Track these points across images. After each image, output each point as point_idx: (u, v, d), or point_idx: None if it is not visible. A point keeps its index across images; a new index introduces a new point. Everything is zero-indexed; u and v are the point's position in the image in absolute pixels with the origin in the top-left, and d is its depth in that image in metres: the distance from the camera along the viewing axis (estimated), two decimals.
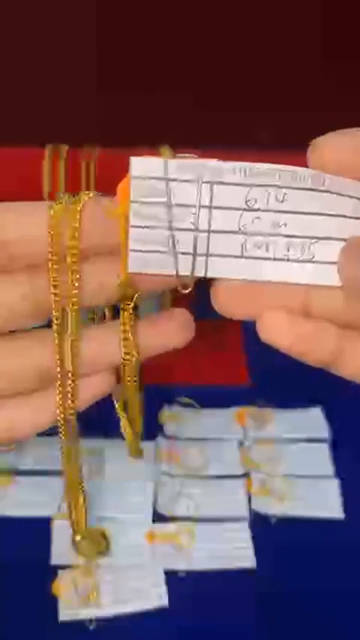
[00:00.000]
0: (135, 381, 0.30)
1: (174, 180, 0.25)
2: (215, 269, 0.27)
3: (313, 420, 0.58)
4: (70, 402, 0.30)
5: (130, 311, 0.28)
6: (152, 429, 0.56)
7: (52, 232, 0.26)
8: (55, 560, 0.47)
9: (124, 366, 0.29)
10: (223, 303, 0.27)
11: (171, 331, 0.29)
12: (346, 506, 0.51)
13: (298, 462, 0.55)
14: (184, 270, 0.26)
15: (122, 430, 0.33)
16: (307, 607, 0.46)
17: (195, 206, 0.26)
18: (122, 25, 0.63)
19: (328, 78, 0.63)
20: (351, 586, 0.47)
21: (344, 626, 0.45)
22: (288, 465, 0.54)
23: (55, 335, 0.28)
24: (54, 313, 0.28)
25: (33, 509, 0.50)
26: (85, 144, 0.54)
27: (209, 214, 0.26)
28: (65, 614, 0.44)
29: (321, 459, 0.55)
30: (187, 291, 0.27)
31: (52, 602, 0.45)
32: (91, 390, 0.30)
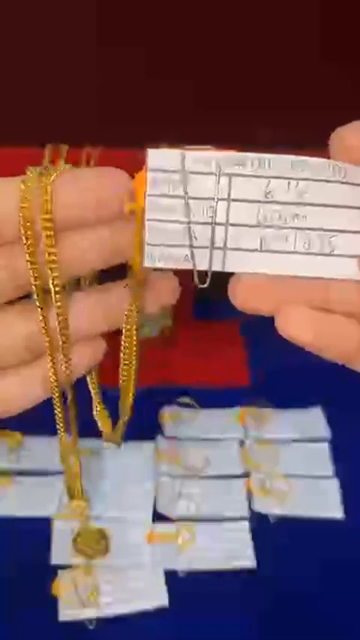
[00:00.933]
0: (134, 350, 0.29)
1: (191, 172, 0.25)
2: (233, 263, 0.26)
3: (313, 420, 0.58)
4: (63, 371, 0.29)
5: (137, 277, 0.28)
6: (152, 430, 0.56)
7: (23, 205, 0.25)
8: (55, 560, 0.47)
9: (126, 330, 0.29)
10: (241, 297, 0.26)
11: (160, 292, 0.29)
12: (346, 506, 0.51)
13: (298, 462, 0.55)
14: (202, 265, 0.26)
15: (95, 413, 0.32)
16: (307, 607, 0.46)
17: (213, 199, 0.25)
18: (122, 28, 0.63)
19: (328, 78, 0.63)
20: (351, 586, 0.47)
21: (344, 625, 0.45)
22: (288, 465, 0.54)
23: (38, 306, 0.28)
24: (33, 284, 0.27)
25: (33, 509, 0.50)
26: (85, 144, 0.54)
27: (227, 207, 0.25)
28: (65, 614, 0.44)
29: (321, 459, 0.55)
30: (204, 286, 0.26)
31: (52, 602, 0.45)
32: (83, 357, 0.29)
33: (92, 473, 0.52)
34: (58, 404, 0.30)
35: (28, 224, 0.26)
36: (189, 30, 0.63)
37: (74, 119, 0.61)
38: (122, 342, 0.29)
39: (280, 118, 0.57)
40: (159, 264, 0.26)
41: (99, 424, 0.32)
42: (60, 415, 0.30)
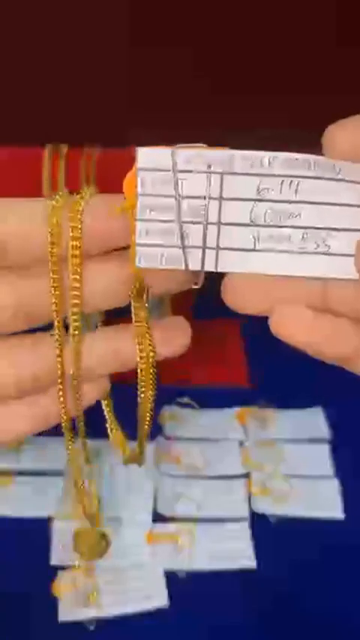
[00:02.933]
0: (151, 386, 0.29)
1: (182, 170, 0.24)
2: (226, 263, 0.25)
3: (314, 420, 0.58)
4: (64, 407, 0.28)
5: (144, 310, 0.27)
6: (152, 430, 0.55)
7: (51, 230, 0.25)
8: (55, 560, 0.47)
9: (141, 370, 0.28)
10: (235, 298, 0.26)
11: (168, 339, 0.28)
12: (346, 506, 0.51)
13: (299, 463, 0.55)
14: (194, 265, 0.25)
15: (113, 440, 0.32)
16: (307, 607, 0.46)
17: (204, 197, 0.24)
18: (123, 27, 0.63)
19: (343, 61, 0.62)
20: (351, 586, 0.47)
21: (344, 626, 0.45)
22: (288, 466, 0.54)
23: (57, 343, 0.27)
24: (56, 319, 0.26)
25: (33, 510, 0.50)
26: (85, 144, 0.54)
27: (219, 206, 0.25)
28: (65, 614, 0.44)
29: (321, 459, 0.55)
30: (197, 286, 0.26)
31: (53, 603, 0.45)
32: (87, 396, 0.29)
33: (92, 473, 0.52)
34: (69, 439, 0.30)
35: (55, 248, 0.25)
36: (188, 24, 0.63)
37: (74, 119, 0.61)
38: (138, 383, 0.29)
39: (295, 101, 0.57)
40: (151, 266, 0.25)
41: (116, 447, 0.32)
42: (71, 448, 0.30)
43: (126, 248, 0.26)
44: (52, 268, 0.25)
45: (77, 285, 0.26)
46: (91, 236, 0.25)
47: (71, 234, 0.25)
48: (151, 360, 0.28)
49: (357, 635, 0.44)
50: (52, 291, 0.26)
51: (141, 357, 0.28)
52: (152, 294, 0.27)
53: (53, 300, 0.26)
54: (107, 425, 0.32)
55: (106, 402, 0.31)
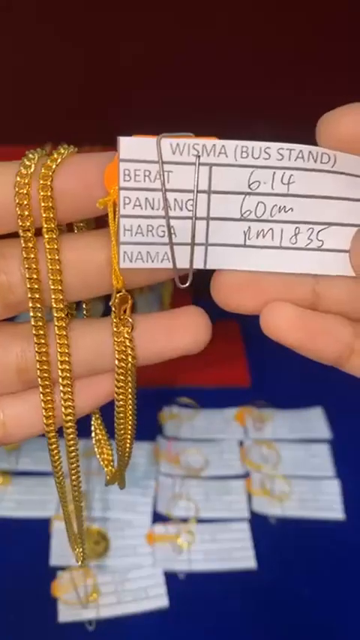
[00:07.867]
0: (130, 392, 0.25)
1: (168, 162, 0.22)
2: (215, 259, 0.24)
3: (313, 421, 0.58)
4: (64, 408, 0.25)
5: (127, 306, 0.24)
6: (152, 430, 0.56)
7: (19, 202, 0.21)
8: (54, 561, 0.47)
9: (118, 374, 0.25)
10: (224, 296, 0.24)
11: (182, 332, 0.25)
12: (346, 506, 0.51)
13: (298, 463, 0.55)
14: (182, 263, 0.23)
15: (98, 456, 0.28)
16: (307, 607, 0.46)
17: (192, 191, 0.22)
18: (121, 26, 0.63)
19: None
20: (351, 586, 0.47)
21: (344, 626, 0.45)
22: (288, 466, 0.54)
23: (34, 331, 0.23)
24: (31, 304, 0.23)
25: (32, 510, 0.50)
26: (85, 144, 0.54)
27: (208, 199, 0.23)
28: (65, 615, 0.44)
29: (321, 459, 0.55)
30: (185, 285, 0.24)
31: (52, 603, 0.44)
32: (89, 395, 0.25)
33: (92, 473, 0.52)
34: (54, 446, 0.26)
35: (26, 222, 0.22)
36: (187, 25, 0.63)
37: (74, 119, 0.61)
38: (115, 391, 0.25)
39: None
40: (136, 265, 0.23)
41: (104, 467, 0.29)
42: (56, 459, 0.27)
43: (105, 218, 0.23)
44: (23, 246, 0.22)
45: (56, 266, 0.23)
46: (64, 201, 0.22)
47: (42, 204, 0.22)
48: (130, 366, 0.25)
49: (357, 636, 0.44)
50: (26, 273, 0.23)
51: (119, 365, 0.25)
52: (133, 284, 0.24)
53: (28, 285, 0.23)
54: (94, 438, 0.28)
55: (96, 415, 0.28)
